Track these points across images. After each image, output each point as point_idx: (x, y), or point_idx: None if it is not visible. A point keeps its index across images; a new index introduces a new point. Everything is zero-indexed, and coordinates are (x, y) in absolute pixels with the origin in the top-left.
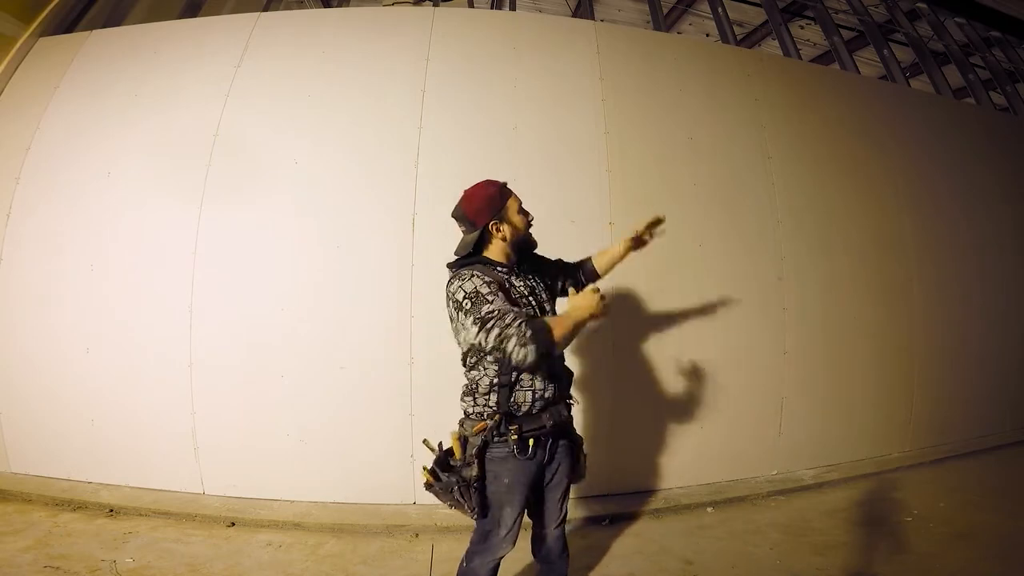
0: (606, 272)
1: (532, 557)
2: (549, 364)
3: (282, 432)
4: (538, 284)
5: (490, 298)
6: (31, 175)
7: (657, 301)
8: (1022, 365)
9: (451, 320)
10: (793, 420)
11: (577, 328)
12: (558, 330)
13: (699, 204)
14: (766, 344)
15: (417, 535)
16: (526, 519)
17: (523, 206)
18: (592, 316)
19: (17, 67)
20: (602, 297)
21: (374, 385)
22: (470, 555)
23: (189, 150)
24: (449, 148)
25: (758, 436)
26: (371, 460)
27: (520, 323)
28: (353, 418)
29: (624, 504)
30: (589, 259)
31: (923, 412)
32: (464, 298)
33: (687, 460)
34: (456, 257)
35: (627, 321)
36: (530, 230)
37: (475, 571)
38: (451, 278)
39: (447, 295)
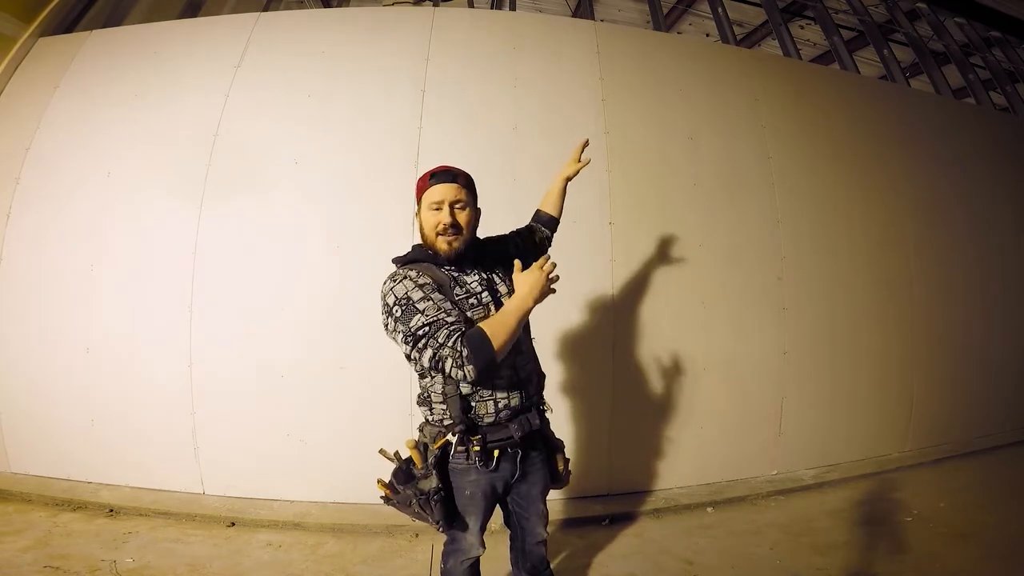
0: (559, 210)
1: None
2: (513, 369)
3: (282, 432)
4: (495, 275)
5: (421, 306)
6: (31, 175)
7: (657, 301)
8: (1022, 365)
9: (384, 326)
10: (793, 420)
11: (522, 321)
12: (499, 336)
13: (699, 204)
14: (766, 344)
15: (417, 535)
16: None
17: (453, 206)
18: (538, 298)
19: (17, 67)
20: (553, 266)
21: (374, 385)
22: (445, 556)
23: (189, 150)
24: (450, 147)
25: (758, 436)
26: (371, 460)
27: (455, 340)
28: (353, 418)
29: (624, 504)
30: (538, 212)
31: (923, 412)
32: (394, 304)
33: (687, 460)
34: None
35: (627, 321)
36: (448, 240)
37: (451, 571)
38: (387, 277)
39: (381, 296)
